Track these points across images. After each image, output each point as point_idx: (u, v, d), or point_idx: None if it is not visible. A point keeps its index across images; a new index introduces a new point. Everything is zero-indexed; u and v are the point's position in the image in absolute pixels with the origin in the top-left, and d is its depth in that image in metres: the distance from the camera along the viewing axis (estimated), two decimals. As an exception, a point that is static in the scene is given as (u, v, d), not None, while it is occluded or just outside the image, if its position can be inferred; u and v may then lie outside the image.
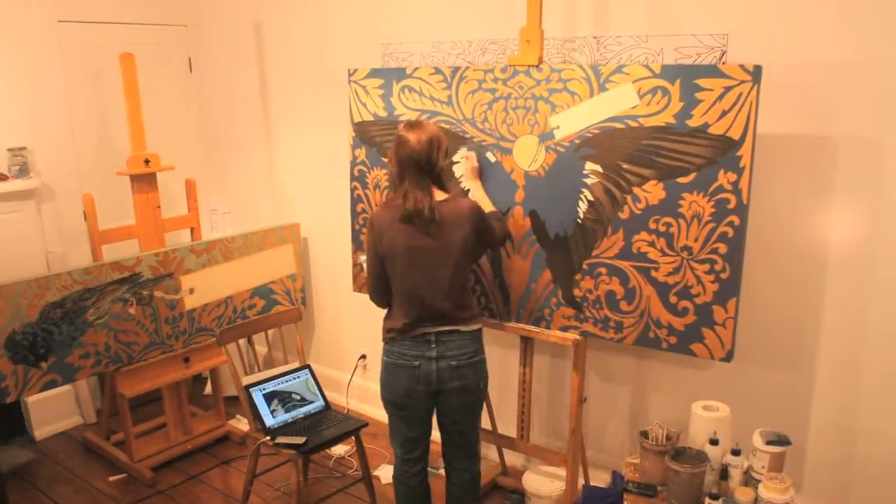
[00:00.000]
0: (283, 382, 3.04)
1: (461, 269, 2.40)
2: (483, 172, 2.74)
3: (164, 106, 4.22)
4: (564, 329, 2.68)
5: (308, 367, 3.15)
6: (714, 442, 2.29)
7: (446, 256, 2.36)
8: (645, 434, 2.42)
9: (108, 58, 3.84)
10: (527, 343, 2.90)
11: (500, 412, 3.29)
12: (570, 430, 2.76)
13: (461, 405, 2.47)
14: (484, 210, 2.48)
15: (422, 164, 2.34)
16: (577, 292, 2.62)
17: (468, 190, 2.75)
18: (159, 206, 3.53)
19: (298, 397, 3.05)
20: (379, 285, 2.49)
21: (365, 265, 2.83)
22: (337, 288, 4.00)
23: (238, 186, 4.39)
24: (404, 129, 2.38)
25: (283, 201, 4.16)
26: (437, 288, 2.37)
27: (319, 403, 3.09)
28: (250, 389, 2.93)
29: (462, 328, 2.42)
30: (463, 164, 2.75)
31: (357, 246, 3.19)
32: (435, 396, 2.46)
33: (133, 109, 3.38)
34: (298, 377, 3.10)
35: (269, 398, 2.96)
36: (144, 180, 3.46)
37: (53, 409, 3.81)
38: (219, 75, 4.32)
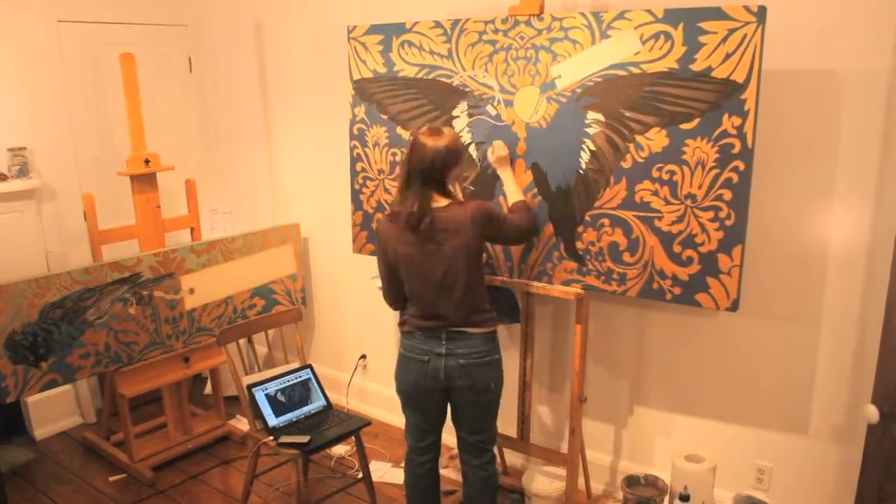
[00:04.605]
0: (284, 382, 3.04)
1: (469, 273, 2.38)
2: (511, 159, 2.68)
3: (164, 106, 4.22)
4: (567, 284, 2.66)
5: (309, 366, 3.15)
6: (684, 498, 2.23)
7: (449, 263, 2.36)
8: (633, 481, 2.40)
9: (108, 58, 3.84)
10: (529, 299, 2.89)
11: (501, 412, 3.28)
12: (570, 430, 2.76)
13: (470, 404, 2.47)
14: (490, 209, 2.44)
15: (432, 173, 2.33)
16: (579, 245, 2.59)
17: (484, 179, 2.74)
18: (159, 206, 3.53)
19: (300, 397, 3.05)
20: (392, 291, 2.53)
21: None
22: (337, 288, 4.00)
23: (238, 186, 4.39)
24: (424, 134, 2.36)
25: (283, 201, 4.16)
26: (444, 293, 2.38)
27: (321, 403, 3.09)
28: (252, 389, 2.93)
29: (472, 330, 2.42)
30: (489, 155, 2.71)
31: (356, 206, 3.17)
32: (446, 393, 2.48)
33: (133, 109, 3.38)
34: (300, 377, 3.10)
35: (270, 398, 2.96)
36: (144, 180, 3.46)
37: (53, 409, 3.81)
38: (219, 75, 4.32)
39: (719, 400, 2.82)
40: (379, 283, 2.96)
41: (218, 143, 4.45)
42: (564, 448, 2.91)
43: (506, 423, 3.22)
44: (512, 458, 3.33)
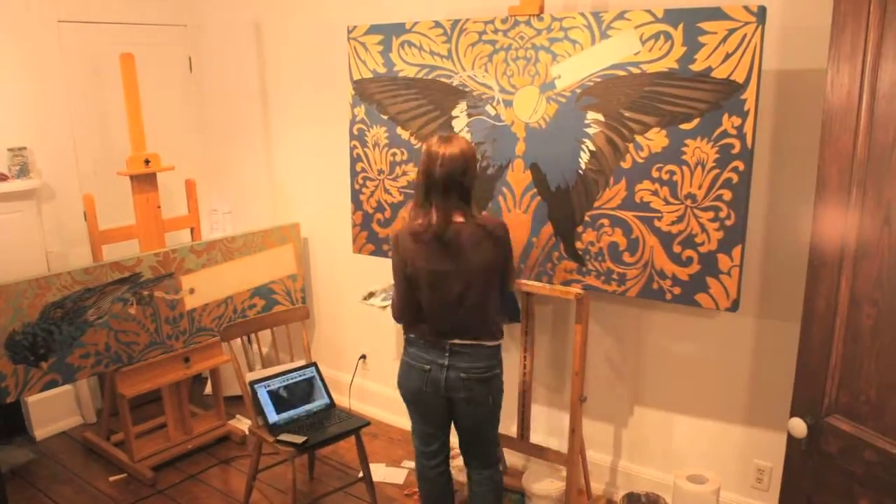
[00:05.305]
0: (288, 379, 3.04)
1: (485, 290, 2.36)
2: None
3: (164, 106, 4.22)
4: (567, 284, 2.66)
5: (314, 364, 3.16)
6: None
7: (469, 280, 2.32)
8: (634, 498, 2.40)
9: (108, 58, 3.84)
10: (529, 299, 2.90)
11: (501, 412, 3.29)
12: (570, 430, 2.76)
13: (470, 415, 2.46)
14: (509, 234, 2.41)
15: (451, 182, 2.26)
16: (579, 245, 2.60)
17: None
18: (159, 206, 3.53)
19: (303, 394, 3.05)
20: (404, 306, 2.44)
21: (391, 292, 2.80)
22: (337, 288, 4.00)
23: (238, 186, 4.39)
24: (437, 143, 2.28)
25: (283, 201, 4.16)
26: (458, 309, 2.35)
27: (323, 401, 3.09)
28: (255, 385, 2.94)
29: (479, 342, 2.40)
30: None
31: (356, 206, 3.17)
32: (448, 400, 2.46)
33: (133, 109, 3.38)
34: (304, 374, 3.09)
35: (273, 394, 2.96)
36: (144, 180, 3.46)
37: (53, 409, 3.81)
38: (219, 75, 4.32)
39: (719, 400, 2.82)
40: (376, 302, 2.93)
41: (218, 143, 4.45)
42: (564, 448, 2.91)
43: (506, 423, 3.22)
44: (512, 458, 3.33)
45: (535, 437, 3.22)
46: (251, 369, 3.27)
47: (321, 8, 3.70)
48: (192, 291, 3.42)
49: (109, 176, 3.72)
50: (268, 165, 4.19)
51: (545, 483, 2.94)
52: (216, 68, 4.33)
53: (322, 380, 3.15)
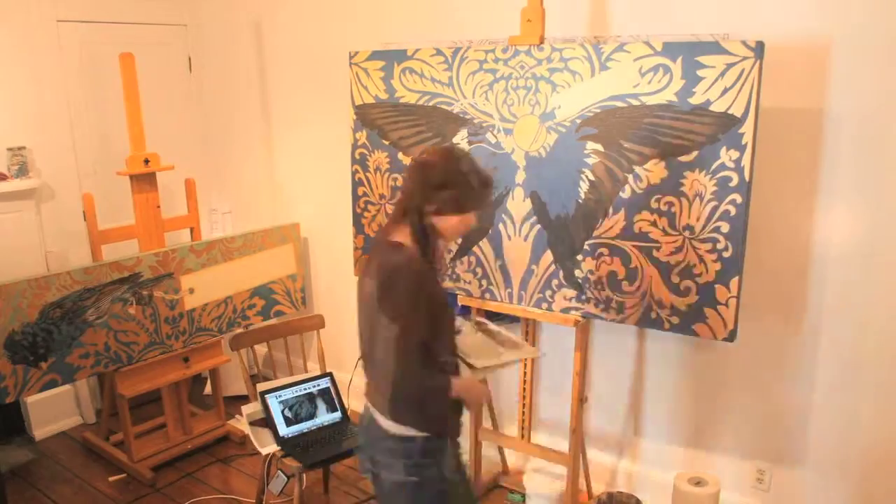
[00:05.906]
0: (301, 390, 2.95)
1: (378, 341, 1.77)
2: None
3: (164, 106, 4.21)
4: (566, 311, 2.66)
5: (330, 374, 3.07)
6: None
7: (368, 323, 1.82)
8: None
9: (108, 58, 3.83)
10: (528, 325, 2.90)
11: (502, 411, 3.29)
12: (571, 430, 2.76)
13: None
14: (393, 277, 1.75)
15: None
16: (578, 273, 2.61)
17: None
18: (159, 206, 3.53)
19: (315, 407, 2.97)
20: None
21: None
22: (337, 288, 4.00)
23: (238, 186, 4.39)
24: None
25: (283, 201, 4.16)
26: (367, 362, 1.87)
27: (337, 415, 3.00)
28: (266, 395, 2.87)
29: (374, 419, 1.84)
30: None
31: (358, 229, 3.16)
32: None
33: (133, 109, 3.37)
34: (318, 385, 3.01)
35: (284, 406, 2.89)
36: (144, 180, 3.45)
37: (53, 409, 3.80)
38: (219, 75, 4.32)
39: (720, 399, 2.82)
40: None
41: (218, 142, 4.44)
42: (565, 448, 2.91)
43: (506, 423, 3.22)
44: (512, 458, 3.33)
45: (536, 438, 3.22)
46: (251, 370, 3.26)
47: (321, 7, 3.70)
48: (191, 291, 3.41)
49: (109, 175, 3.72)
50: (268, 165, 4.19)
51: (545, 483, 2.94)
52: (216, 68, 4.32)
53: (337, 391, 3.04)
